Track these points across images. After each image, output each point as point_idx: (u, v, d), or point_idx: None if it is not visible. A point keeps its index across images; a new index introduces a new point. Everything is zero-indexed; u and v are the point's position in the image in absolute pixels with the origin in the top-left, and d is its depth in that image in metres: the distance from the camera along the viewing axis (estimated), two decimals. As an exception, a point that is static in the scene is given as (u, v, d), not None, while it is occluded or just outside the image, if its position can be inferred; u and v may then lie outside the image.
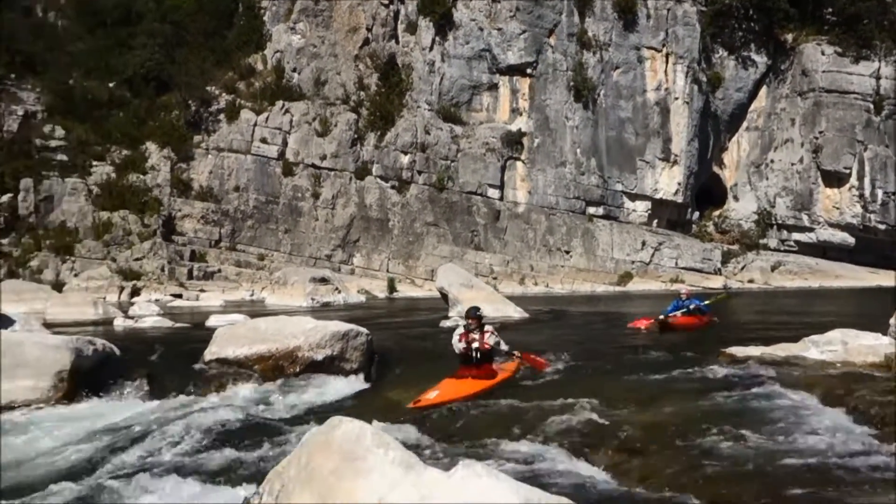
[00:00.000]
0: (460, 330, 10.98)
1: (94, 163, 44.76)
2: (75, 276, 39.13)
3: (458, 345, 10.81)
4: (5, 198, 40.92)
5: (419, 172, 50.35)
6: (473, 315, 10.91)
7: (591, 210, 52.96)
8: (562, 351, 13.41)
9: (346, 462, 5.15)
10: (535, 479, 5.95)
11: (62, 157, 43.65)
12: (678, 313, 19.00)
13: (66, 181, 43.00)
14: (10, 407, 10.29)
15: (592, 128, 52.97)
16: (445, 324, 19.90)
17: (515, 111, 52.88)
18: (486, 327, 10.89)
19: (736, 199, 57.87)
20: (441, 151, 50.69)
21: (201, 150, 48.10)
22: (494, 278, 46.78)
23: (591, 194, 52.93)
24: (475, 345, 10.65)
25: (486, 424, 8.42)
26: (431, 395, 9.74)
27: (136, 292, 37.99)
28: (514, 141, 51.72)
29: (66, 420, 9.45)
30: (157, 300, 34.22)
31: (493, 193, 51.42)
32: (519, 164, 52.20)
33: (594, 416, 8.43)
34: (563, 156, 52.35)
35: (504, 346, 11.13)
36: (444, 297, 22.90)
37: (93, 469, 7.22)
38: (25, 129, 42.97)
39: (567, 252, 51.84)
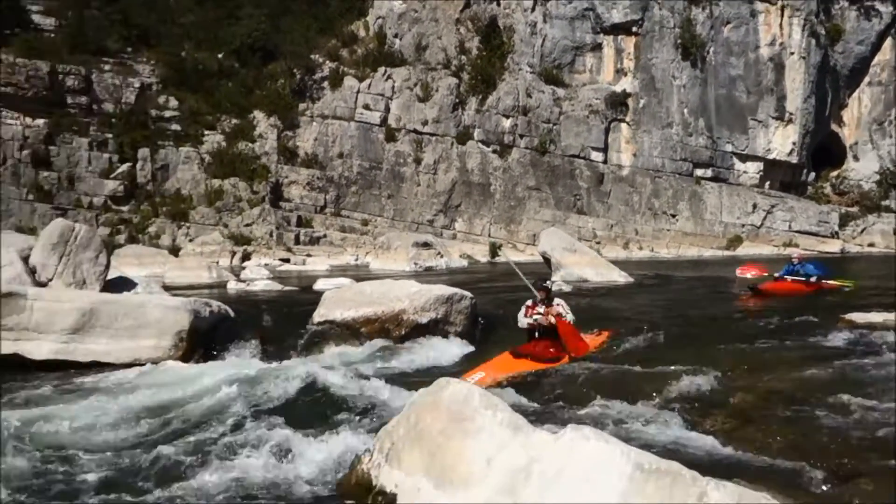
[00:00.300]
0: (529, 302, 10.20)
1: (206, 132, 46.42)
2: (190, 241, 40.92)
3: (522, 319, 10.11)
4: (125, 167, 43.03)
5: (521, 136, 49.90)
6: (541, 286, 10.12)
7: (699, 172, 51.31)
8: (668, 316, 13.09)
9: (455, 423, 5.19)
10: (643, 444, 5.84)
11: (176, 126, 45.47)
12: (788, 278, 18.31)
13: (179, 150, 44.83)
14: (135, 364, 10.91)
15: (701, 87, 51.09)
16: (549, 288, 19.74)
17: (620, 72, 51.54)
18: (556, 301, 10.04)
19: (856, 158, 54.82)
20: (543, 114, 50.03)
21: (306, 117, 49.13)
22: (598, 243, 46.11)
23: (699, 156, 51.22)
24: (538, 319, 9.87)
25: (591, 389, 8.31)
26: (475, 377, 8.78)
27: (246, 257, 39.42)
28: (618, 102, 50.49)
29: (185, 378, 9.89)
30: (266, 264, 35.42)
31: (597, 157, 50.48)
32: (623, 125, 50.99)
33: (704, 383, 8.19)
34: (670, 116, 50.78)
35: (572, 319, 9.99)
36: (547, 261, 22.73)
37: (208, 424, 7.56)
38: (142, 100, 44.91)
39: (673, 216, 50.49)
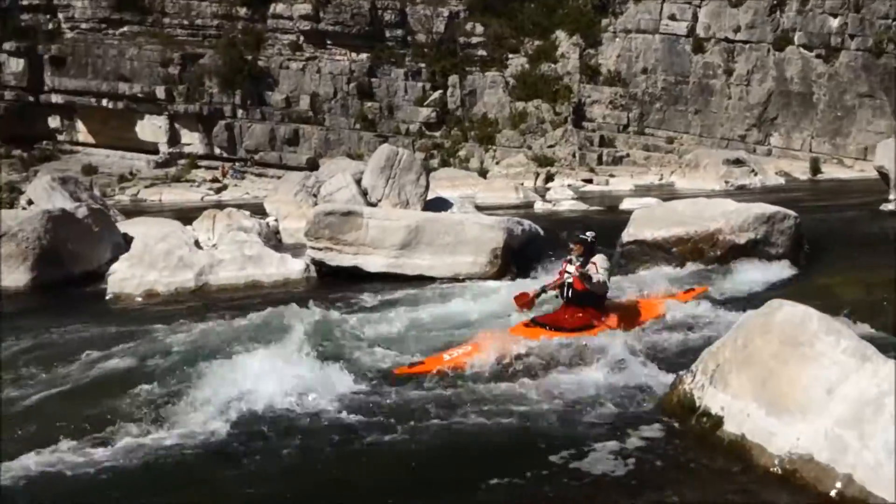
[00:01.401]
0: (568, 257, 8.33)
1: (510, 55, 47.27)
2: (496, 163, 42.43)
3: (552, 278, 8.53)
4: (437, 94, 45.45)
5: (851, 37, 44.25)
6: (578, 238, 8.19)
7: None
8: None
9: (789, 347, 4.85)
10: None
11: (482, 52, 46.85)
12: None
13: (486, 75, 46.24)
14: (454, 279, 11.66)
15: None
16: (887, 207, 17.59)
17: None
18: (596, 258, 7.96)
19: None
20: (880, 10, 43.79)
21: (608, 34, 47.90)
22: (945, 156, 39.90)
23: None
24: (568, 279, 7.97)
25: None
26: (456, 353, 7.24)
27: (550, 178, 40.01)
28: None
29: (496, 292, 10.36)
30: (569, 185, 35.70)
31: (947, 55, 43.30)
32: (985, 15, 43.02)
33: None
34: None
35: (601, 279, 7.82)
36: (884, 177, 20.13)
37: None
38: (451, 29, 46.79)
39: None
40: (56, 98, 42.35)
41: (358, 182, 16.29)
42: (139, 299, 11.36)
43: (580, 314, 7.79)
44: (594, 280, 7.68)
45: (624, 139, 45.68)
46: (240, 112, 42.02)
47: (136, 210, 24.27)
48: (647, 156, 44.17)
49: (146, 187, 38.80)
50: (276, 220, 17.07)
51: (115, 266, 12.48)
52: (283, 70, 42.98)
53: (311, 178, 18.99)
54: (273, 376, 6.47)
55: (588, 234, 8.21)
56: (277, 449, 5.36)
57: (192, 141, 42.16)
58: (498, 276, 11.59)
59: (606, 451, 4.98)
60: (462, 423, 5.57)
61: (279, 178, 30.61)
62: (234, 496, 4.79)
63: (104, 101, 41.61)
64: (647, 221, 12.20)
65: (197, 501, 4.81)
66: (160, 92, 40.94)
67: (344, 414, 5.86)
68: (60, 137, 43.41)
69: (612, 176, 40.66)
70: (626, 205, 21.40)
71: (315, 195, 17.34)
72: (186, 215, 18.10)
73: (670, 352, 7.09)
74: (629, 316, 8.09)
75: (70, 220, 13.25)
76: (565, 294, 7.96)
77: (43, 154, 42.42)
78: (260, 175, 40.98)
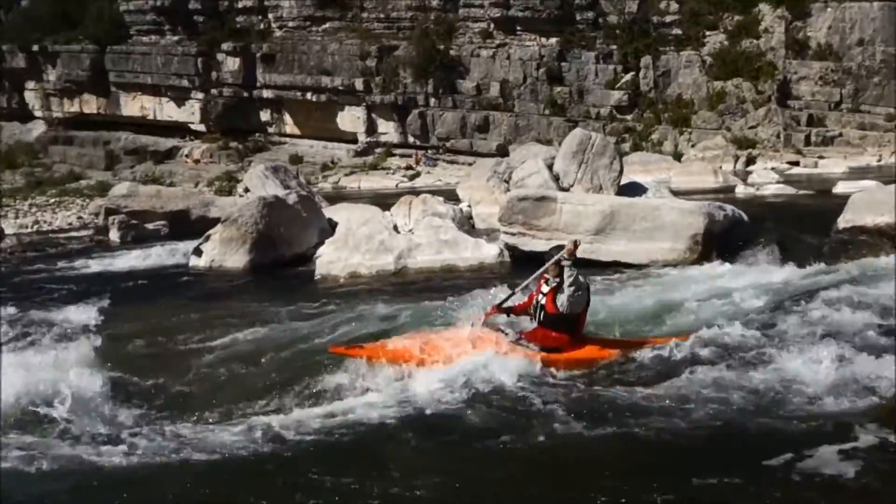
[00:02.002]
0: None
1: (707, 33, 45.01)
2: (692, 146, 40.65)
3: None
4: (628, 77, 44.17)
5: None
6: (558, 258, 7.11)
7: None
8: None
9: None
10: None
11: (677, 31, 44.99)
12: None
13: (680, 55, 44.33)
14: (651, 265, 11.32)
15: None
16: None
17: None
18: (568, 273, 6.94)
19: None
20: None
21: (818, 4, 44.33)
22: None
23: None
24: (541, 300, 7.14)
25: None
26: (396, 344, 7.11)
27: (751, 161, 37.76)
28: None
29: (697, 279, 9.95)
30: (773, 168, 33.53)
31: None
32: None
33: None
34: None
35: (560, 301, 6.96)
36: None
37: (746, 322, 7.51)
38: (644, 8, 45.29)
39: None
40: (267, 93, 45.54)
41: (549, 167, 16.21)
42: (344, 280, 12.00)
43: (552, 337, 7.08)
44: (556, 303, 6.94)
45: (836, 117, 42.16)
46: (432, 101, 43.13)
47: (337, 196, 25.59)
48: (863, 135, 40.51)
49: (346, 175, 40.82)
50: (468, 206, 17.36)
51: (321, 249, 13.25)
52: (474, 58, 43.58)
53: (503, 164, 19.12)
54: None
55: (568, 247, 7.11)
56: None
57: (387, 130, 43.84)
58: (698, 261, 11.13)
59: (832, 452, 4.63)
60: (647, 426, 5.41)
61: (470, 164, 31.13)
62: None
63: (308, 95, 44.19)
64: (868, 205, 11.24)
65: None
66: (359, 84, 42.88)
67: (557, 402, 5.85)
68: (270, 130, 46.67)
69: (821, 157, 37.68)
70: (840, 188, 19.80)
71: (507, 181, 17.45)
72: (383, 201, 18.87)
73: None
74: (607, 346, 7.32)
75: (282, 206, 14.19)
76: (537, 316, 7.17)
77: (255, 145, 45.85)
78: (451, 162, 41.89)
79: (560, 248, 7.32)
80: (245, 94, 45.78)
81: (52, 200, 29.44)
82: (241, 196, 26.08)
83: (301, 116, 45.39)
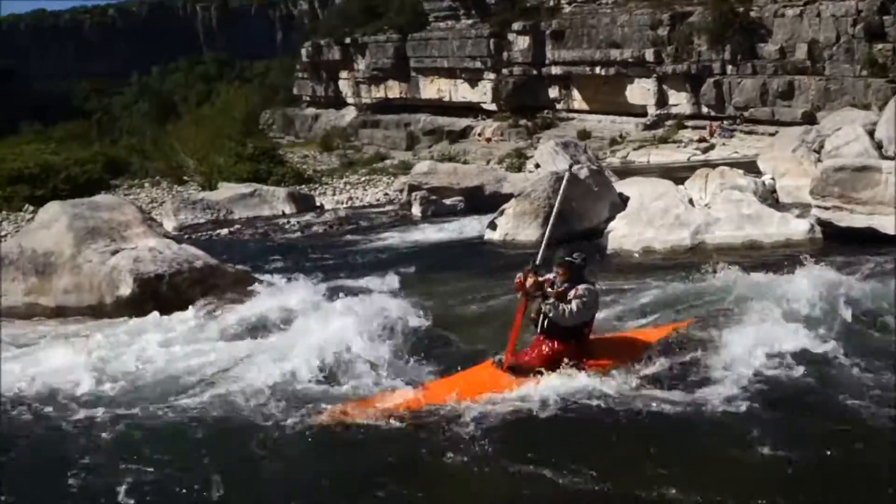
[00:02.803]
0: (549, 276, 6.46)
1: None
2: None
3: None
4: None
5: None
6: (561, 262, 6.35)
7: None
8: None
9: None
10: None
11: None
12: None
13: None
14: None
15: None
16: None
17: None
18: (580, 288, 6.19)
19: None
20: None
21: None
22: None
23: None
24: (547, 309, 6.15)
25: None
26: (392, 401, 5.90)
27: None
28: None
29: None
30: None
31: None
32: None
33: None
34: None
35: (567, 311, 6.06)
36: None
37: None
38: None
39: None
40: (555, 70, 45.89)
41: (870, 134, 14.52)
42: (637, 255, 11.75)
43: (548, 348, 6.24)
44: (559, 310, 6.06)
45: None
46: (729, 68, 40.53)
47: (625, 171, 25.08)
48: None
49: (634, 149, 39.89)
50: (772, 179, 16.14)
51: (613, 224, 13.10)
52: (778, 18, 40.15)
53: (812, 133, 17.61)
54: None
55: (575, 255, 6.41)
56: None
57: (678, 101, 42.04)
58: None
59: None
60: None
61: (771, 134, 28.92)
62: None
63: (597, 69, 43.76)
64: None
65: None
66: (649, 55, 41.53)
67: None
68: (558, 106, 47.02)
69: None
70: None
71: (817, 150, 16.04)
72: (673, 175, 18.20)
73: None
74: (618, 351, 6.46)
75: (573, 180, 14.21)
76: (541, 324, 6.26)
77: (544, 122, 46.51)
78: (749, 133, 39.13)
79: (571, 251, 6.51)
80: (534, 72, 46.55)
81: (363, 179, 32.16)
82: (530, 172, 26.67)
83: (589, 91, 45.18)
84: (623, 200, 14.52)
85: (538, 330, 6.26)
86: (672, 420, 5.37)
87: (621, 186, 15.76)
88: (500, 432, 5.36)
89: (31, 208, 26.37)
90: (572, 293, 6.12)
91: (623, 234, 12.33)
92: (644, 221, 12.35)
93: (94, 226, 9.85)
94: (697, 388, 5.84)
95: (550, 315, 6.02)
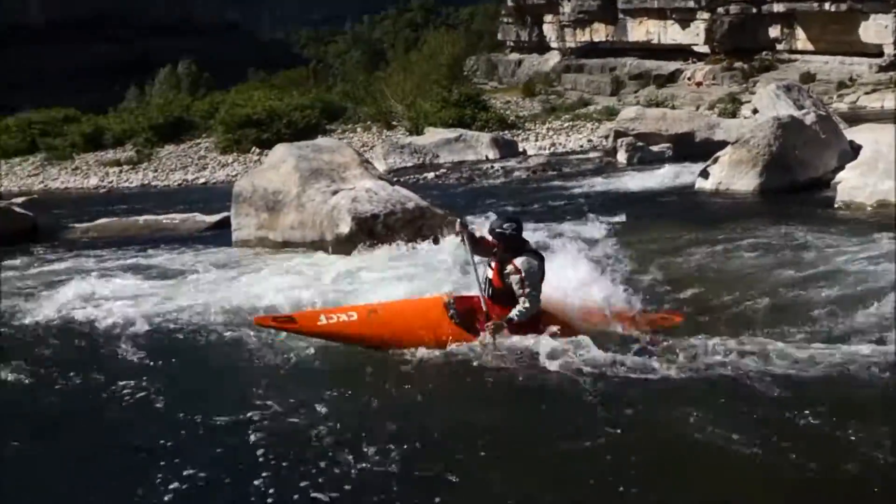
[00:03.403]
0: None
1: None
2: None
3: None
4: None
5: None
6: (496, 231, 5.83)
7: None
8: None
9: None
10: None
11: None
12: None
13: None
14: None
15: None
16: None
17: None
18: (518, 262, 5.70)
19: None
20: None
21: None
22: None
23: None
24: (488, 274, 5.92)
25: None
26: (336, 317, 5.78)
27: None
28: None
29: None
30: None
31: None
32: None
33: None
34: None
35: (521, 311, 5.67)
36: None
37: None
38: None
39: None
40: (778, 7, 42.49)
41: None
42: (870, 209, 10.75)
43: (496, 316, 5.79)
44: (517, 317, 5.71)
45: None
46: None
47: (854, 118, 22.84)
48: None
49: (866, 93, 36.28)
50: None
51: (842, 174, 12.07)
52: None
53: None
54: None
55: (506, 225, 5.83)
56: None
57: (925, 39, 37.68)
58: None
59: None
60: None
61: None
62: None
63: (826, 5, 40.01)
64: None
65: None
66: (890, -12, 37.43)
67: None
68: (779, 47, 43.59)
69: None
70: None
71: None
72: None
73: None
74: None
75: (798, 126, 13.22)
76: (486, 290, 5.88)
77: (762, 64, 43.38)
78: None
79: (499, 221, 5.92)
80: (753, 11, 43.42)
81: (566, 125, 31.69)
82: (746, 118, 25.06)
83: (815, 30, 41.52)
84: (854, 149, 13.31)
85: (485, 295, 5.88)
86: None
87: (852, 134, 14.43)
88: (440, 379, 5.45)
89: (258, 150, 28.58)
90: (510, 268, 5.73)
91: (854, 186, 11.29)
92: (880, 172, 11.22)
93: (317, 167, 10.47)
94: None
95: (515, 322, 5.71)
